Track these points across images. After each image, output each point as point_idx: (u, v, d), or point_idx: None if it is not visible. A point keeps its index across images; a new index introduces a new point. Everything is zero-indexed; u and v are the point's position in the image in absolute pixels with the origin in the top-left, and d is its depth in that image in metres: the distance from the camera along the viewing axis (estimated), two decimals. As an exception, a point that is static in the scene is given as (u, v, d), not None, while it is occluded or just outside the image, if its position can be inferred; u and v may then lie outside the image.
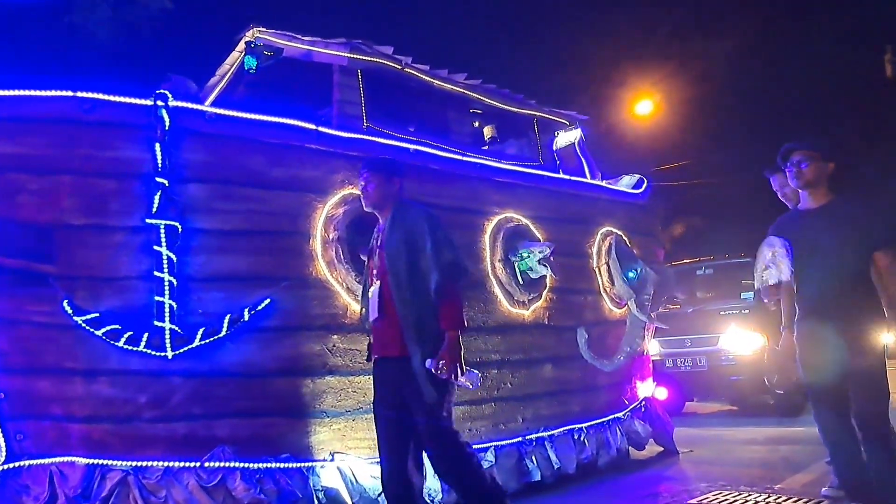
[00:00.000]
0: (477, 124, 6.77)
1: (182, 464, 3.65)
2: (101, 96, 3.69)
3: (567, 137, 7.24)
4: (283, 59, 5.31)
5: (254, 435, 3.83)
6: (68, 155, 3.64)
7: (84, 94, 3.66)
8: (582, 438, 5.82)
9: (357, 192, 4.39)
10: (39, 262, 3.60)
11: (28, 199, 3.61)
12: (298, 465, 3.93)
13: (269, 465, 3.82)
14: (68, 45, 10.93)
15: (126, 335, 3.55)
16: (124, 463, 3.61)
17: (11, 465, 3.65)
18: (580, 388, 5.91)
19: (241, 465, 3.73)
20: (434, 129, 5.63)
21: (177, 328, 3.63)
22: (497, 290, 5.22)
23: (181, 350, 3.63)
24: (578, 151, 7.19)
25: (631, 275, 6.19)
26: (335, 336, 4.18)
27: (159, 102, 3.75)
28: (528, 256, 5.29)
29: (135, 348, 3.55)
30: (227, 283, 3.83)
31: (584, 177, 6.91)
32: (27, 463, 3.68)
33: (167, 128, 3.74)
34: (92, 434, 3.64)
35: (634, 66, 16.46)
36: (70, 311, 3.49)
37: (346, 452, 4.17)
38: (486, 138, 6.73)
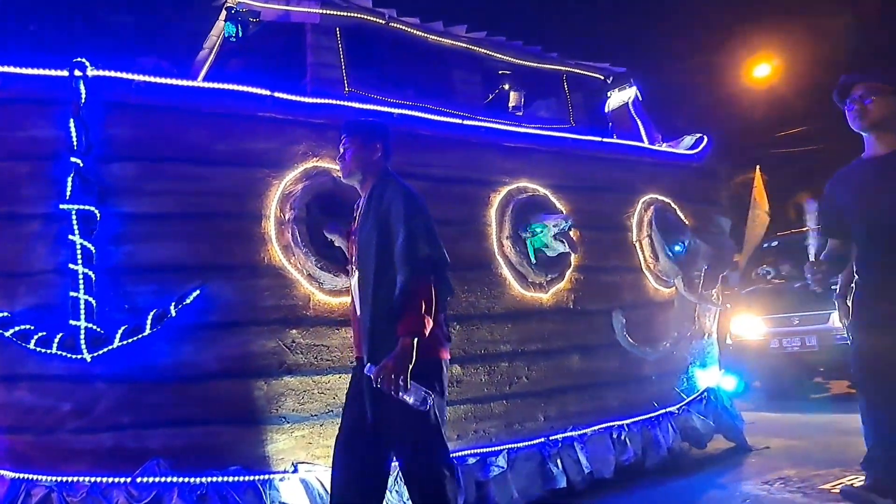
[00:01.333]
0: (507, 87, 6.08)
1: (110, 479, 3.24)
2: (11, 69, 3.29)
3: (620, 97, 6.46)
4: (271, 24, 4.82)
5: (193, 446, 3.37)
6: (-22, 137, 3.27)
7: (-8, 69, 3.27)
8: (623, 437, 5.09)
9: (322, 164, 3.88)
10: (-46, 258, 3.26)
11: (-60, 188, 3.26)
12: (251, 478, 3.44)
13: (213, 478, 3.35)
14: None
15: (37, 336, 3.15)
16: (49, 478, 3.23)
17: (-53, 477, 3.34)
18: (618, 381, 5.16)
19: (179, 479, 3.29)
20: (436, 91, 4.99)
21: (95, 327, 3.20)
22: (506, 272, 4.55)
23: (100, 352, 3.20)
24: (633, 112, 6.39)
25: (677, 248, 5.36)
26: (294, 330, 3.65)
27: (76, 72, 3.31)
28: (542, 232, 4.59)
29: (47, 350, 3.15)
30: (158, 275, 3.37)
31: (640, 140, 6.11)
32: (-38, 475, 3.36)
33: (83, 101, 3.30)
34: (15, 446, 3.28)
35: (751, 26, 15.08)
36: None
37: (314, 462, 3.65)
38: (512, 104, 6.05)
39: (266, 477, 3.49)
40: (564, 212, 4.87)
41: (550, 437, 4.70)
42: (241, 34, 4.84)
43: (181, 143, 3.53)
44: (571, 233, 4.69)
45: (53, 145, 3.29)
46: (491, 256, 4.51)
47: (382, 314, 3.02)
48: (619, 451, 5.05)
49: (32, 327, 3.17)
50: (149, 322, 3.22)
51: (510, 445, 4.47)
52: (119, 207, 3.36)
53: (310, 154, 3.86)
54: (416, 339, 2.91)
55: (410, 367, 2.88)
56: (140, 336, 3.22)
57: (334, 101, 4.05)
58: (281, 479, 3.53)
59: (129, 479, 3.24)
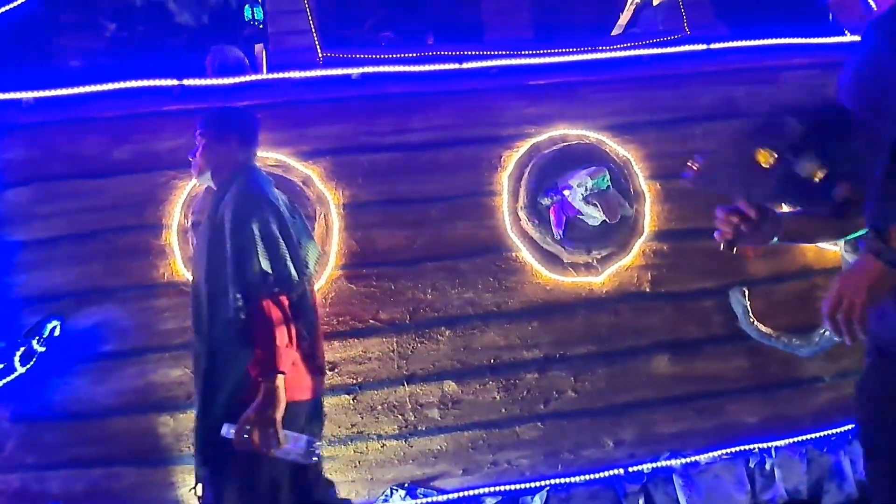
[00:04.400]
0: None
1: (20, 523, 3.10)
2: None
3: None
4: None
5: (93, 489, 3.07)
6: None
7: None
8: (768, 467, 3.59)
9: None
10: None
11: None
12: (161, 526, 3.04)
13: (115, 526, 3.02)
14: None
15: (-62, 378, 3.12)
16: (-18, 517, 3.21)
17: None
18: (753, 387, 3.65)
19: (81, 526, 3.01)
20: (464, 33, 4.00)
21: (-17, 366, 3.07)
22: (524, 255, 3.44)
23: (-16, 391, 3.06)
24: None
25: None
26: (203, 355, 3.13)
27: (-34, 103, 3.21)
28: (569, 195, 3.36)
29: (-56, 392, 3.11)
30: (52, 305, 3.12)
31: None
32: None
33: (-32, 132, 3.18)
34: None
35: None
36: None
37: (243, 508, 3.10)
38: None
39: (180, 525, 3.04)
40: (631, 160, 3.55)
41: (630, 469, 3.46)
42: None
43: (76, 157, 3.24)
44: (612, 190, 3.36)
45: (-41, 180, 3.23)
46: (499, 237, 3.44)
47: (206, 352, 2.52)
48: (761, 486, 3.57)
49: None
50: (16, 360, 2.98)
51: (554, 481, 3.38)
52: (12, 236, 3.18)
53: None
54: (280, 377, 2.35)
55: (279, 412, 2.32)
56: (14, 376, 3.00)
57: (262, 77, 3.43)
58: (199, 528, 3.05)
59: (35, 525, 3.06)
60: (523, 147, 3.52)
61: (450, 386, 3.33)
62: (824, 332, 3.54)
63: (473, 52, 3.63)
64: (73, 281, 3.15)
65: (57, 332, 3.01)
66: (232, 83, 3.38)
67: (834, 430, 3.67)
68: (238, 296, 2.40)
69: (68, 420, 3.11)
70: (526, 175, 3.46)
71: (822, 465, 3.64)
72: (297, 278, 2.46)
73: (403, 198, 3.39)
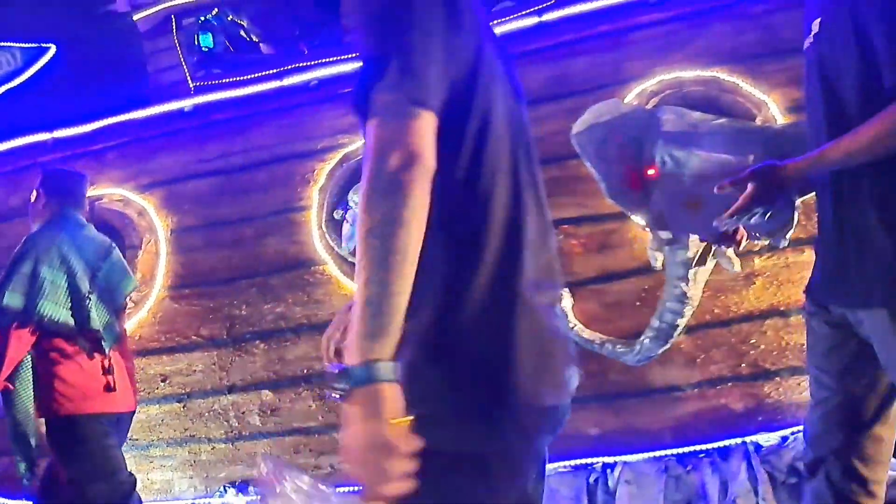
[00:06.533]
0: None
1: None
2: None
3: None
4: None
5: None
6: None
7: None
8: (610, 483, 3.33)
9: (96, 192, 3.81)
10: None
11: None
12: None
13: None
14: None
15: None
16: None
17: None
18: (588, 396, 3.33)
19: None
20: (333, 34, 4.04)
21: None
22: (332, 269, 3.50)
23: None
24: None
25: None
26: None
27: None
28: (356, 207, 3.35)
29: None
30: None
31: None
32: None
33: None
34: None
35: None
36: None
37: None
38: None
39: None
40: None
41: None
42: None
43: (-14, 208, 4.01)
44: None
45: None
46: (308, 251, 3.53)
47: None
48: (602, 502, 3.32)
49: None
50: None
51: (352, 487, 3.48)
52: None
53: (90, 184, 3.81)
54: None
55: None
56: None
57: (113, 121, 3.84)
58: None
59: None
60: (334, 159, 3.54)
61: (267, 395, 3.56)
62: (644, 340, 3.10)
63: (292, 66, 3.70)
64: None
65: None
66: (91, 129, 3.87)
67: (703, 447, 3.23)
68: None
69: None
70: (329, 187, 3.49)
71: (688, 484, 3.23)
72: (43, 316, 2.84)
73: (222, 220, 3.64)
